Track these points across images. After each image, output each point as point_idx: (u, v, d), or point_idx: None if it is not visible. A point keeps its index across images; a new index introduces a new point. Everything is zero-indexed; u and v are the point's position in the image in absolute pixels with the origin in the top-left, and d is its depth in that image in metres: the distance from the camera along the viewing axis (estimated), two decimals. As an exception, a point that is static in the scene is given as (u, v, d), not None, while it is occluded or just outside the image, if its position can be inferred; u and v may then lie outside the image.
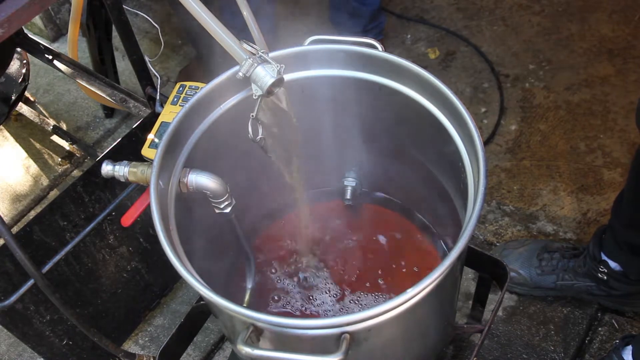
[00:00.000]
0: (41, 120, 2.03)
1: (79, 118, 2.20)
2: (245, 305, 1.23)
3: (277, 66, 0.88)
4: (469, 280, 1.62)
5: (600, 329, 1.52)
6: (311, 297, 1.23)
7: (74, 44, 1.80)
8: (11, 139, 2.15)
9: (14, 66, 1.72)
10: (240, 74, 0.89)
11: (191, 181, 0.96)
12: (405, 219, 1.32)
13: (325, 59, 1.03)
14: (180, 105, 1.12)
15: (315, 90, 1.06)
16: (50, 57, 1.59)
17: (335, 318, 0.74)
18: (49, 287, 1.01)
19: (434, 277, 0.76)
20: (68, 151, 2.06)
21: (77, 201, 1.33)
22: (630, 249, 1.34)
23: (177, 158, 0.97)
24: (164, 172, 0.92)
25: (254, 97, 0.91)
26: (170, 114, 1.10)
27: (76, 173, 2.05)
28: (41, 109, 2.20)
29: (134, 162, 1.02)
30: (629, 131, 1.86)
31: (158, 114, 1.13)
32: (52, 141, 2.08)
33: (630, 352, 1.32)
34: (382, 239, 1.31)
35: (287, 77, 1.00)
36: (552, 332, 1.52)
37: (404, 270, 1.26)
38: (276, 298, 1.24)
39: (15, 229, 1.84)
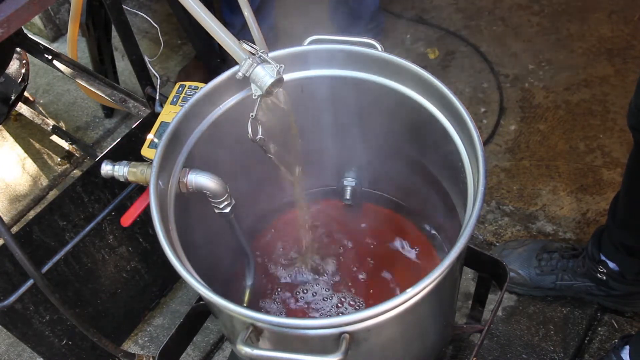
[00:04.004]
0: (40, 120, 2.03)
1: (78, 118, 2.20)
2: (245, 305, 1.23)
3: (277, 66, 0.88)
4: (468, 280, 1.62)
5: (599, 329, 1.52)
6: (311, 297, 1.24)
7: (73, 44, 1.80)
8: (11, 139, 2.15)
9: (14, 66, 1.72)
10: (240, 74, 0.89)
11: (191, 181, 0.96)
12: (404, 218, 1.32)
13: (325, 59, 1.03)
14: (179, 105, 1.11)
15: (314, 90, 1.06)
16: (50, 57, 1.59)
17: (335, 318, 0.74)
18: (48, 287, 1.01)
19: (434, 277, 0.76)
20: (67, 151, 2.06)
21: (76, 201, 1.33)
22: (625, 250, 1.34)
23: (177, 158, 0.97)
24: (163, 172, 0.92)
25: (254, 97, 0.91)
26: (169, 114, 1.10)
27: (76, 173, 2.05)
28: (40, 109, 2.20)
29: (133, 162, 1.02)
30: (628, 131, 1.86)
31: (157, 114, 1.13)
32: (52, 141, 2.08)
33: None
34: (381, 239, 1.31)
35: (287, 77, 1.00)
36: (552, 332, 1.52)
37: (403, 270, 1.26)
38: (276, 298, 1.24)
39: (14, 229, 1.84)
